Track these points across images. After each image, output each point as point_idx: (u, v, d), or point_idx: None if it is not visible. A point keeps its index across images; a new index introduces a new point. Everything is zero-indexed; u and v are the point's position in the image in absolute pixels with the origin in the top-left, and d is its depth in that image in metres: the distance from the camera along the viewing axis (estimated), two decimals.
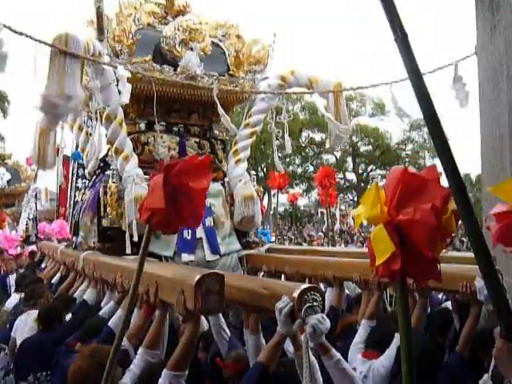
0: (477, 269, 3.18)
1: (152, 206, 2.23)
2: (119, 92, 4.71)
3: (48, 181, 16.50)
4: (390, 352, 3.12)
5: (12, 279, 8.34)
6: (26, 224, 15.06)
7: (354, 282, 4.07)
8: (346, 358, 2.60)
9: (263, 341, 2.94)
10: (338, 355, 2.50)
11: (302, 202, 32.66)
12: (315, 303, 2.39)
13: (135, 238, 4.67)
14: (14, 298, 6.18)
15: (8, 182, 17.78)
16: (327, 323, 2.35)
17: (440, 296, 5.35)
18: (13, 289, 7.51)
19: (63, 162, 8.02)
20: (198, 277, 2.64)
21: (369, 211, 1.43)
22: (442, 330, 3.56)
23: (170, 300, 2.98)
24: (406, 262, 1.36)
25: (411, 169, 1.43)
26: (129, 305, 2.39)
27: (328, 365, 2.52)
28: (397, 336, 3.29)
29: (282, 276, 4.92)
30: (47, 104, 4.03)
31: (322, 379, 2.53)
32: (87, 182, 6.38)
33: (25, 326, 4.86)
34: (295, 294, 2.41)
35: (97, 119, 5.09)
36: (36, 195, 15.60)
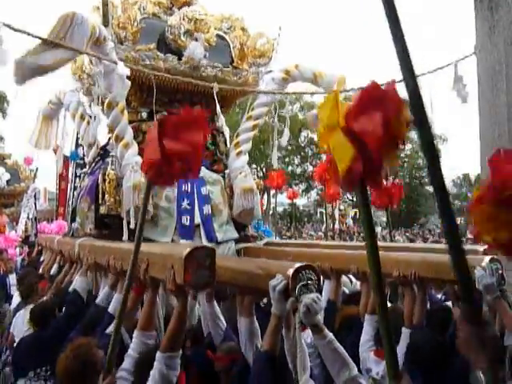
0: (477, 259, 3.18)
1: (149, 158, 2.22)
2: (129, 77, 4.69)
3: (47, 181, 16.48)
4: (402, 350, 3.10)
5: (12, 279, 8.29)
6: (26, 224, 15.03)
7: (351, 273, 4.05)
8: (347, 351, 2.55)
9: (257, 324, 2.91)
10: (331, 335, 2.46)
11: (301, 201, 32.65)
12: (310, 282, 2.37)
13: (132, 225, 4.65)
14: (17, 297, 6.14)
15: (7, 182, 17.72)
16: (322, 303, 2.33)
17: (439, 296, 5.34)
18: (13, 288, 7.48)
19: (62, 161, 8.04)
20: (188, 250, 2.60)
21: (328, 116, 1.47)
22: (441, 327, 3.53)
23: (160, 276, 2.93)
24: (367, 165, 1.41)
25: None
26: (127, 285, 2.37)
27: (320, 344, 2.47)
28: (404, 332, 3.27)
29: None
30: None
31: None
32: (86, 169, 6.35)
33: (22, 322, 4.83)
34: (289, 272, 2.39)
35: (98, 104, 5.07)
36: (35, 195, 15.58)
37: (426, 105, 1.30)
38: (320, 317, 2.50)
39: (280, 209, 30.52)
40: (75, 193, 6.24)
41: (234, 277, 2.95)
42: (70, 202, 7.59)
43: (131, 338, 3.07)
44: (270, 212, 24.94)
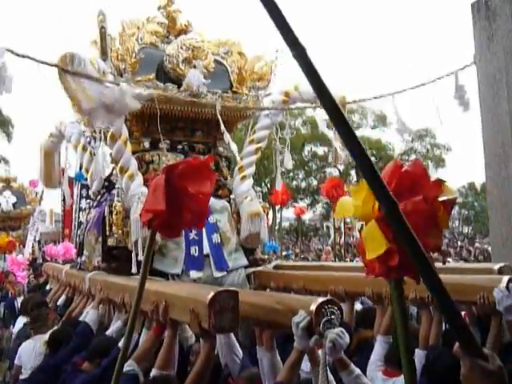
0: (494, 279, 3.13)
1: (152, 208, 2.18)
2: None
3: (53, 203, 16.56)
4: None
5: (20, 302, 8.31)
6: (33, 246, 15.08)
7: (366, 296, 4.01)
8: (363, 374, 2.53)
9: (279, 358, 2.87)
10: (358, 370, 2.44)
11: (306, 216, 32.55)
12: (333, 317, 2.34)
13: (140, 257, 4.63)
14: (20, 322, 6.13)
15: (14, 205, 17.81)
16: (347, 337, 2.29)
17: None
18: None
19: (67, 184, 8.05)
20: (211, 294, 2.59)
21: (361, 207, 1.38)
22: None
23: (181, 319, 2.93)
24: (402, 257, 1.31)
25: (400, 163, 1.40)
26: (130, 323, 2.34)
27: (347, 380, 2.45)
28: (418, 352, 3.22)
29: (292, 293, 4.85)
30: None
31: None
32: (91, 202, 6.35)
33: (31, 353, 4.80)
34: (312, 308, 2.36)
35: (101, 139, 5.08)
36: (41, 218, 15.63)
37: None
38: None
39: (286, 223, 30.44)
40: (82, 226, 6.22)
41: (252, 311, 2.92)
42: (75, 228, 7.59)
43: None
44: (276, 227, 24.90)
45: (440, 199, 1.36)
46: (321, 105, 1.17)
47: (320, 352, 2.32)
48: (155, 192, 2.17)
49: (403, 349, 1.37)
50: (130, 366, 3.10)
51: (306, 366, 2.72)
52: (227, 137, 5.21)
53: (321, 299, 2.43)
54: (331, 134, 5.69)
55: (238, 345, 3.39)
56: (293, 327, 2.40)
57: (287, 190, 12.72)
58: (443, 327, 3.56)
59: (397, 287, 1.39)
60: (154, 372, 2.99)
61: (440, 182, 1.38)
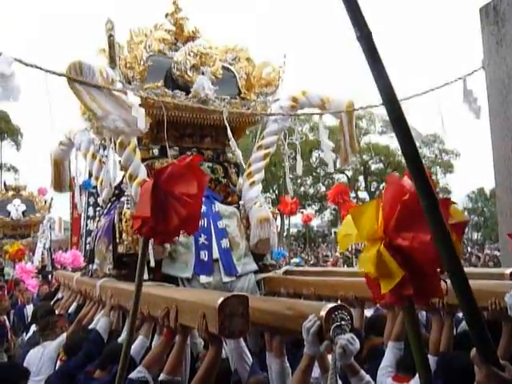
0: (506, 284, 3.10)
1: (140, 215, 2.17)
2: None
3: (62, 211, 16.66)
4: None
5: (29, 310, 8.35)
6: (42, 254, 15.16)
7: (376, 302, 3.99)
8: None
9: (288, 364, 2.86)
10: (368, 377, 2.42)
11: (314, 222, 32.51)
12: (343, 322, 2.32)
13: (152, 264, 4.64)
14: (32, 330, 6.15)
15: (23, 213, 17.95)
16: (357, 343, 2.27)
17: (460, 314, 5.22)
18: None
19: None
20: (221, 299, 2.59)
21: (366, 229, 1.33)
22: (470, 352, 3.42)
23: (191, 324, 2.93)
24: (417, 286, 1.30)
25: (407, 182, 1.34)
26: (130, 326, 2.35)
27: None
28: (429, 359, 3.19)
29: (302, 299, 4.84)
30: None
31: None
32: (101, 209, 6.38)
33: (38, 360, 4.80)
34: (323, 313, 2.34)
35: (110, 147, 5.10)
36: (50, 225, 15.72)
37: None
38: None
39: (294, 230, 30.41)
40: (92, 234, 6.24)
41: (262, 317, 2.91)
42: (83, 236, 7.62)
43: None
44: (284, 234, 24.85)
45: (450, 222, 1.27)
46: (378, 90, 1.15)
47: (330, 358, 2.31)
48: (143, 198, 2.15)
49: (421, 370, 1.38)
50: (140, 372, 3.11)
51: (316, 371, 2.70)
52: (233, 144, 5.22)
53: (331, 305, 2.42)
54: (330, 143, 5.65)
55: (247, 351, 3.39)
56: (303, 333, 2.39)
57: (296, 198, 12.72)
58: (454, 332, 3.54)
59: (409, 312, 1.39)
60: (162, 377, 3.00)
61: (447, 203, 1.32)
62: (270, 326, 2.95)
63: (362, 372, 2.43)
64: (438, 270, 1.33)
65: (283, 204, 11.87)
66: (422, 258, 1.27)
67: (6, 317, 7.83)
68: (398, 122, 1.16)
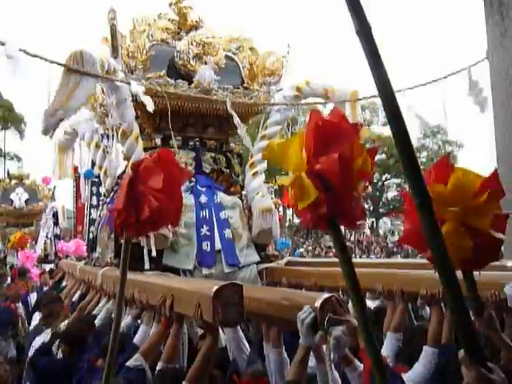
0: (505, 275, 3.09)
1: (115, 207, 2.21)
2: (143, 104, 4.70)
3: (65, 199, 16.69)
4: (422, 368, 3.04)
5: (33, 298, 8.40)
6: (45, 243, 15.21)
7: (377, 292, 3.99)
8: None
9: (285, 355, 2.87)
10: (361, 367, 2.42)
11: None
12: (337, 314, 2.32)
13: (153, 253, 4.65)
14: (36, 318, 6.20)
15: (26, 201, 17.99)
16: None
17: None
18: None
19: (78, 180, 8.13)
20: (215, 288, 2.59)
21: (292, 161, 1.45)
22: None
23: (186, 312, 2.94)
24: (333, 205, 1.39)
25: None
26: (117, 310, 2.37)
27: (351, 376, 2.43)
28: (426, 350, 3.20)
29: (303, 289, 4.85)
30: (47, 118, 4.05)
31: None
32: (104, 198, 6.39)
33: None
34: (317, 304, 2.34)
35: (113, 136, 5.10)
36: (54, 214, 15.74)
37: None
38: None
39: (297, 220, 30.41)
40: (95, 223, 6.26)
41: (258, 307, 2.92)
42: (87, 225, 7.65)
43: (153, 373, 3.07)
44: (287, 224, 24.83)
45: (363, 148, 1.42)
46: (375, 84, 1.18)
47: (325, 348, 2.31)
48: (121, 190, 2.19)
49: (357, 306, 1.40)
50: (136, 360, 3.13)
51: (311, 360, 2.71)
52: (243, 131, 5.19)
53: (326, 295, 2.42)
54: None
55: (245, 340, 3.40)
56: (298, 323, 2.39)
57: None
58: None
59: (335, 234, 1.45)
60: (159, 365, 3.02)
61: (356, 127, 1.44)
62: (266, 315, 2.96)
63: (356, 362, 2.43)
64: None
65: (285, 197, 11.88)
66: (332, 176, 1.37)
67: (21, 304, 7.93)
68: (394, 119, 1.18)
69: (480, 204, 1.52)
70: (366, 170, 1.42)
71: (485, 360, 1.24)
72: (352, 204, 1.43)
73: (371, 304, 4.71)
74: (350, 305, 4.19)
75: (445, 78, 5.70)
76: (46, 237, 15.36)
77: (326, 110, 5.87)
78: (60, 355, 4.45)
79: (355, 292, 1.40)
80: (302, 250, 18.38)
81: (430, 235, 1.20)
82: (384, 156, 36.80)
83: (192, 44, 5.49)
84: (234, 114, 5.09)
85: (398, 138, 1.18)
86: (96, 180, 7.74)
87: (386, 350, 3.41)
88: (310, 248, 20.36)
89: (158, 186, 2.17)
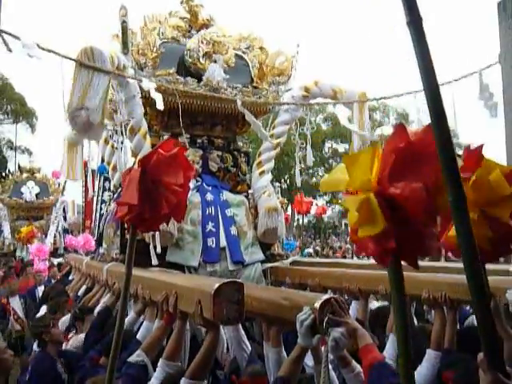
0: (507, 280, 3.07)
1: (126, 202, 2.16)
2: (152, 101, 4.71)
3: (75, 194, 16.80)
4: (425, 371, 3.03)
5: (40, 291, 8.48)
6: (54, 236, 15.31)
7: (380, 294, 3.99)
8: None
9: (285, 354, 2.88)
10: (359, 367, 2.41)
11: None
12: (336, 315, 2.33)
13: (158, 250, 4.67)
14: (43, 311, 6.26)
15: (37, 195, 18.12)
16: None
17: (468, 307, 5.20)
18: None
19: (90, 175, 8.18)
20: (216, 285, 2.61)
21: (359, 177, 1.27)
22: (473, 350, 3.40)
23: (187, 309, 2.96)
24: (400, 239, 1.23)
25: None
26: (121, 306, 2.38)
27: (348, 378, 2.43)
28: (429, 353, 3.20)
29: (308, 289, 4.85)
30: (73, 119, 4.07)
31: None
32: (112, 194, 6.43)
33: None
34: (317, 305, 2.35)
35: (122, 132, 5.12)
36: (64, 208, 15.83)
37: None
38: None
39: (304, 220, 30.43)
40: (102, 218, 6.31)
41: (258, 307, 2.93)
42: (97, 219, 7.70)
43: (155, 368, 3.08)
44: (295, 224, 24.77)
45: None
46: (420, 76, 1.14)
47: (323, 350, 2.31)
48: (130, 185, 2.12)
49: (401, 343, 1.37)
50: (139, 356, 3.14)
51: (311, 359, 2.72)
52: (258, 125, 5.15)
53: (325, 296, 2.43)
54: (354, 127, 5.62)
55: (246, 339, 3.41)
56: (297, 324, 2.40)
57: (311, 201, 12.91)
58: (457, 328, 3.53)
59: (394, 271, 1.31)
60: (160, 362, 3.02)
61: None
62: (266, 315, 2.97)
63: (354, 363, 2.43)
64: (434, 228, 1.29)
65: (297, 203, 11.94)
66: (411, 207, 1.21)
67: (18, 298, 7.99)
68: (436, 113, 1.16)
69: (503, 195, 1.54)
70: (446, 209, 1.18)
71: (503, 365, 1.22)
72: (424, 241, 1.27)
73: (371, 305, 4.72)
74: (352, 306, 4.24)
75: (456, 80, 5.67)
76: (56, 230, 15.47)
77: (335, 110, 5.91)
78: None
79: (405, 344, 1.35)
80: (310, 250, 18.34)
81: (462, 235, 1.14)
82: None
83: (202, 42, 5.50)
84: (245, 111, 5.08)
85: (437, 131, 1.18)
86: (108, 176, 7.79)
87: (389, 350, 3.41)
88: (318, 248, 20.28)
89: (180, 182, 2.13)
